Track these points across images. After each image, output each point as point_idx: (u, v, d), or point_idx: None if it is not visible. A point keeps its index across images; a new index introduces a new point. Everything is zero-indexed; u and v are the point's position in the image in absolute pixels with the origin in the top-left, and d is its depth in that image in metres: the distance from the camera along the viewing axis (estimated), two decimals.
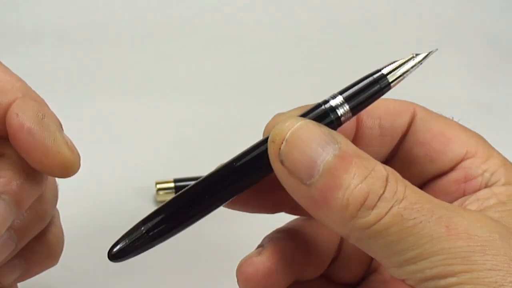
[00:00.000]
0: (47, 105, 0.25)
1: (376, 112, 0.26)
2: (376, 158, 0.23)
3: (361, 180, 0.21)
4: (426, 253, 0.20)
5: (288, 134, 0.22)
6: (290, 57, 0.61)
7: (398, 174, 0.22)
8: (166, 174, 0.44)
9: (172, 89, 0.55)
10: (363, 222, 0.21)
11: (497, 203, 0.23)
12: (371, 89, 0.23)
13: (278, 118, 0.24)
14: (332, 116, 0.23)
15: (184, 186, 0.43)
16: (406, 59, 0.23)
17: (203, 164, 0.48)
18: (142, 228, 0.23)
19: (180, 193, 0.24)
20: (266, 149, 0.23)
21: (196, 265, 0.39)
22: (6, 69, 0.25)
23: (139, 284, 0.38)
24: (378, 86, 0.23)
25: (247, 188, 0.24)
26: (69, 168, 0.25)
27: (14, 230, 0.25)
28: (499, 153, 0.26)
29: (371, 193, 0.21)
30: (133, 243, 0.23)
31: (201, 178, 0.24)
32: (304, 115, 0.23)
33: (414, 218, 0.20)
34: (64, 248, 0.39)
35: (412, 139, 0.26)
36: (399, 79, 0.23)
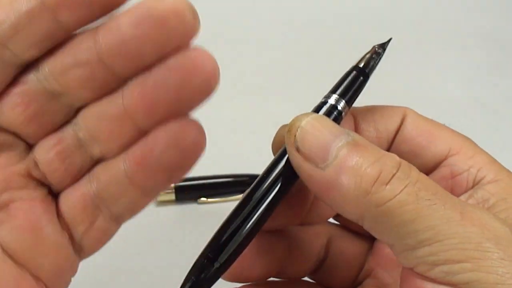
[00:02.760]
0: None
1: (371, 117, 0.27)
2: None
3: (373, 161, 0.21)
4: (440, 235, 0.20)
5: (303, 123, 0.23)
6: (291, 57, 0.61)
7: (411, 164, 0.22)
8: None
9: None
10: (378, 197, 0.21)
11: (498, 201, 0.24)
12: (356, 82, 0.26)
13: (284, 128, 0.25)
14: (335, 113, 0.25)
15: (184, 186, 0.44)
16: (371, 51, 0.28)
17: (203, 164, 0.48)
18: (204, 260, 0.24)
19: (229, 216, 0.24)
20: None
21: None
22: None
23: (140, 284, 0.38)
24: (361, 78, 0.26)
25: (284, 194, 0.24)
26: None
27: None
28: (485, 152, 0.26)
29: (384, 171, 0.21)
30: (200, 277, 0.24)
31: (244, 195, 0.25)
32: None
33: (429, 199, 0.21)
34: None
35: (400, 137, 0.27)
36: (373, 69, 0.27)
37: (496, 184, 0.24)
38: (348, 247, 0.29)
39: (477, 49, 0.64)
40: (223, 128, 0.51)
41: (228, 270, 0.24)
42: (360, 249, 0.29)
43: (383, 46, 0.29)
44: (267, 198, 0.24)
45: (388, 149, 0.27)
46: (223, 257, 0.24)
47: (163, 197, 0.43)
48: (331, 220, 0.29)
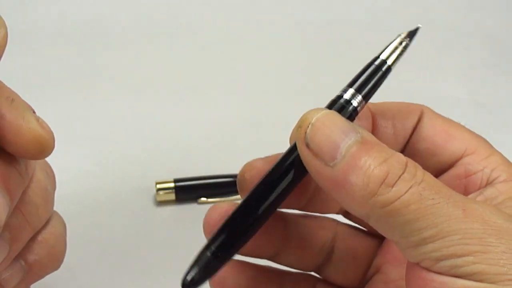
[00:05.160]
0: (15, 92, 0.26)
1: (389, 114, 0.28)
2: None
3: (381, 162, 0.22)
4: (443, 232, 0.21)
5: (313, 119, 0.23)
6: (291, 57, 0.61)
7: (417, 163, 0.23)
8: (166, 174, 0.44)
9: (172, 89, 0.55)
10: (384, 199, 0.21)
11: (506, 199, 0.24)
12: (376, 75, 0.25)
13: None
14: (350, 109, 0.25)
15: (184, 186, 0.44)
16: (397, 41, 0.25)
17: (203, 164, 0.48)
18: (208, 253, 0.24)
19: (236, 210, 0.25)
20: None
21: None
22: None
23: (140, 284, 0.38)
24: (381, 71, 0.25)
25: (293, 189, 0.25)
26: (43, 145, 0.25)
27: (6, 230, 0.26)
28: (500, 153, 0.26)
29: (390, 172, 0.22)
30: (203, 269, 0.24)
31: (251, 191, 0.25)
32: None
33: (433, 199, 0.21)
34: None
35: (417, 135, 0.27)
36: (396, 61, 0.25)
37: (507, 183, 0.25)
38: (356, 244, 0.29)
39: (477, 49, 0.64)
40: (223, 128, 0.51)
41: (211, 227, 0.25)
42: (369, 246, 0.29)
43: (411, 35, 0.26)
44: (276, 192, 0.24)
45: (405, 147, 0.28)
46: (226, 250, 0.24)
47: (163, 197, 0.43)
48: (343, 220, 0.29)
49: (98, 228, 0.41)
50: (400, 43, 0.25)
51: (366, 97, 0.25)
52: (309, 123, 0.23)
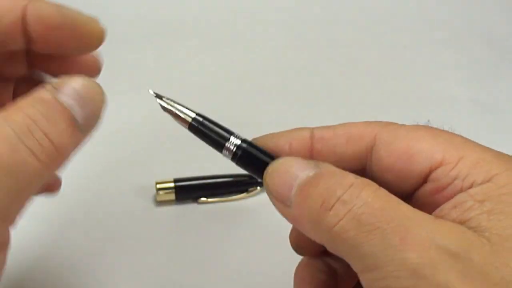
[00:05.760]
0: None
1: (332, 141, 0.27)
2: None
3: (323, 189, 0.22)
4: (380, 262, 0.20)
5: (269, 169, 0.25)
6: (291, 57, 0.61)
7: (371, 183, 0.22)
8: (166, 174, 0.44)
9: (172, 88, 0.55)
10: (325, 224, 0.22)
11: (474, 205, 0.22)
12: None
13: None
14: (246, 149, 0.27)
15: (184, 186, 0.44)
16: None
17: (203, 164, 0.48)
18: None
19: None
20: None
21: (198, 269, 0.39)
22: None
23: (140, 284, 0.38)
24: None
25: None
26: (100, 34, 0.28)
27: None
28: (474, 150, 0.24)
29: (327, 195, 0.22)
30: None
31: None
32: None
33: (370, 224, 0.21)
34: (65, 248, 0.39)
35: (377, 167, 0.26)
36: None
37: (481, 186, 0.23)
38: None
39: (477, 49, 0.64)
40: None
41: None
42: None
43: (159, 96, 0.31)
44: None
45: (361, 172, 0.26)
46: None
47: (163, 197, 0.43)
48: None
49: (98, 227, 0.41)
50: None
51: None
52: (268, 173, 0.25)
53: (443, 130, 0.26)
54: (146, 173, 0.45)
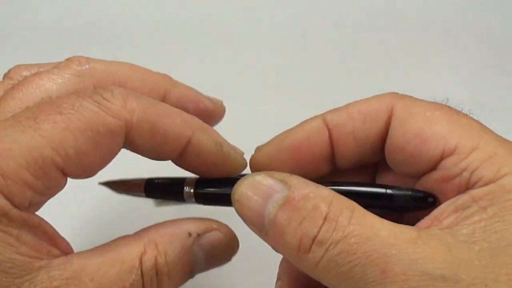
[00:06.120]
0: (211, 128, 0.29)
1: (348, 125, 0.26)
2: (363, 165, 0.24)
3: (297, 225, 0.22)
4: None
5: (237, 196, 0.25)
6: (291, 57, 0.61)
7: (347, 206, 0.22)
8: (166, 174, 0.44)
9: None
10: (306, 265, 0.22)
11: (476, 211, 0.22)
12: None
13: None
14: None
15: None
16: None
17: None
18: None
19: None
20: None
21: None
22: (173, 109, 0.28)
23: None
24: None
25: None
26: (241, 167, 0.29)
27: None
28: (489, 142, 0.24)
29: (303, 237, 0.22)
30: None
31: None
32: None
33: (349, 262, 0.21)
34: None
35: (390, 145, 0.25)
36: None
37: (487, 187, 0.22)
38: None
39: (477, 49, 0.64)
40: (223, 128, 0.51)
41: None
42: None
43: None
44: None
45: (378, 155, 0.26)
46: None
47: None
48: None
49: (98, 228, 0.41)
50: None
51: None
52: (235, 201, 0.25)
53: (460, 113, 0.25)
54: (146, 173, 0.45)
